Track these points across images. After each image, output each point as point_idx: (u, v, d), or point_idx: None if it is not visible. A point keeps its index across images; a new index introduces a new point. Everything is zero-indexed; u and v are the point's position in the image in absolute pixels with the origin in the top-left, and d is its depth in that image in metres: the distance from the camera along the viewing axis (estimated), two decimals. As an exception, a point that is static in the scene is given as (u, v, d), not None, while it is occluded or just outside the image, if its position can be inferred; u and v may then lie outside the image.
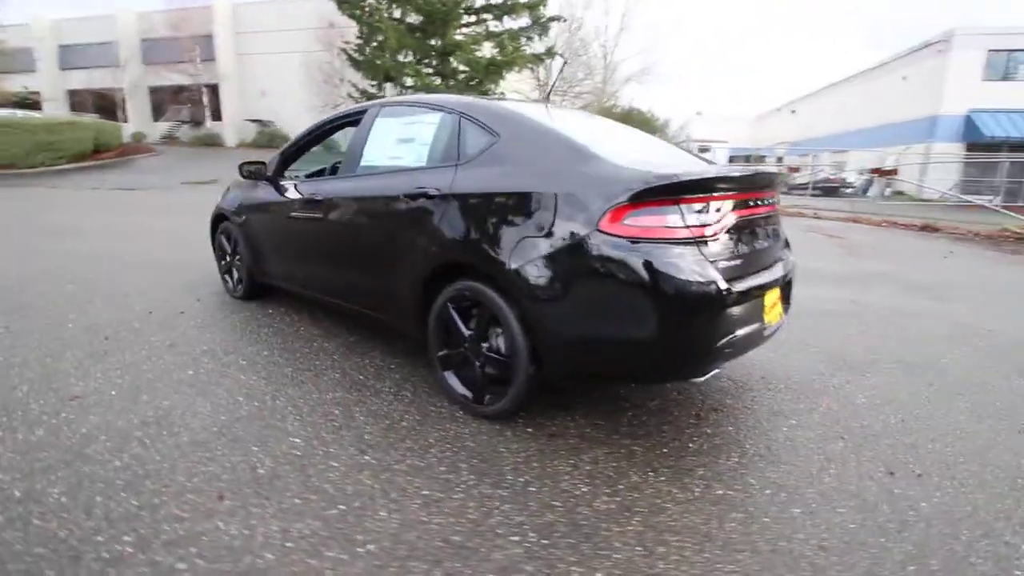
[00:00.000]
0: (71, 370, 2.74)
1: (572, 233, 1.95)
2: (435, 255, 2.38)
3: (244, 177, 3.61)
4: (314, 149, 3.64)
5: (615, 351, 1.99)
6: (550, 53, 19.15)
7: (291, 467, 1.98)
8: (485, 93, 18.35)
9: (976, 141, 19.29)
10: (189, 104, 29.42)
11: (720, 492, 1.92)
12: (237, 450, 2.07)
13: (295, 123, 28.26)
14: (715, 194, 1.98)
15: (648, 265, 1.85)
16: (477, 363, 2.33)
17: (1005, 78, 19.18)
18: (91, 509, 1.71)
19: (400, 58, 18.81)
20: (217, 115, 29.15)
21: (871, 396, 2.76)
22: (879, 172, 17.74)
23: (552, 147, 2.19)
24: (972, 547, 1.70)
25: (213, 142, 27.75)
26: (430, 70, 18.70)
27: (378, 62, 18.46)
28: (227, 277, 4.21)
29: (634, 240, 1.87)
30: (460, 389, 2.43)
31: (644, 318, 1.89)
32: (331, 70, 26.80)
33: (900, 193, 19.06)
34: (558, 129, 2.29)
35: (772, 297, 2.24)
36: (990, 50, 18.82)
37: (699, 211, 1.93)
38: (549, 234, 2.01)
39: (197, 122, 29.62)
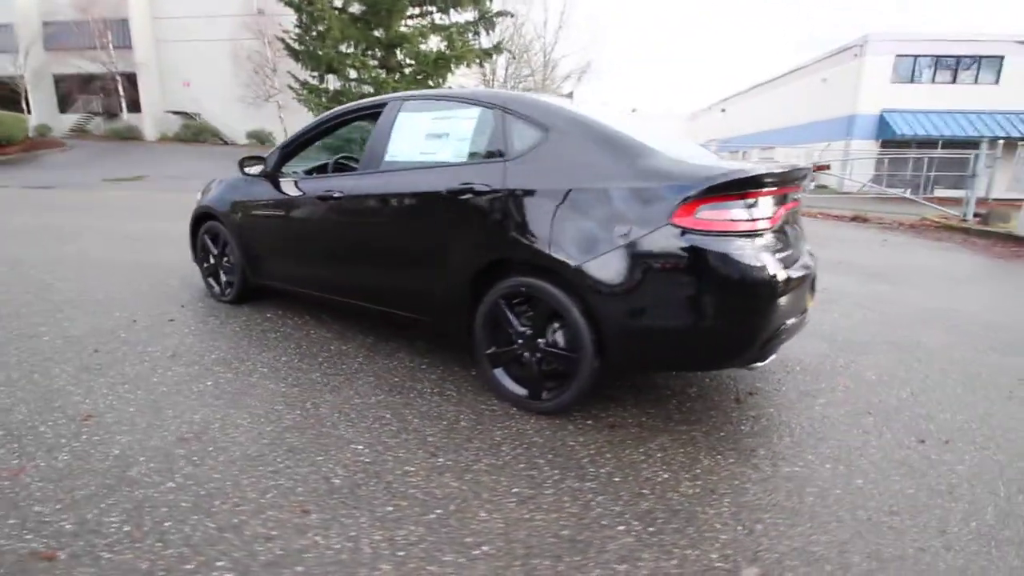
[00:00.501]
0: (70, 387, 2.48)
1: (643, 226, 1.99)
2: (486, 251, 2.34)
3: (244, 173, 3.38)
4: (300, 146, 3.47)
5: (683, 340, 2.05)
6: (498, 48, 19.13)
7: (366, 475, 1.90)
8: (438, 85, 18.08)
9: (889, 139, 21.19)
10: (102, 94, 27.01)
11: (788, 470, 2.03)
12: (301, 461, 1.96)
13: (224, 116, 26.73)
14: (766, 189, 2.08)
15: (719, 256, 1.92)
16: (532, 359, 2.33)
17: (911, 81, 21.21)
18: (165, 536, 1.57)
19: (343, 49, 18.17)
20: (135, 106, 26.98)
21: (878, 374, 2.99)
22: (817, 168, 19.08)
23: (607, 142, 2.21)
24: (1012, 501, 1.90)
25: (131, 135, 25.67)
26: (375, 62, 18.19)
27: (320, 52, 17.74)
28: (212, 280, 3.93)
29: (704, 232, 1.94)
30: (513, 387, 2.41)
31: (714, 307, 1.96)
32: (262, 59, 25.45)
33: (823, 186, 20.63)
34: (607, 124, 2.31)
35: (807, 285, 2.38)
36: (898, 55, 20.74)
37: (755, 205, 2.02)
38: (618, 228, 2.03)
39: (111, 114, 27.27)
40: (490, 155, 2.43)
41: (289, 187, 3.26)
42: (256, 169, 3.34)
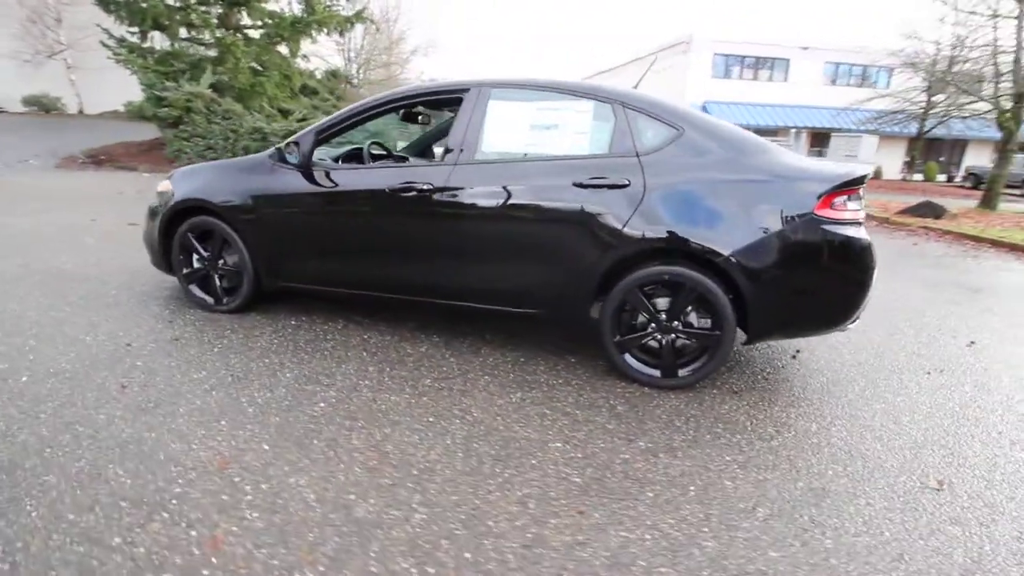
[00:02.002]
0: (173, 442, 2.01)
1: (790, 216, 2.29)
2: (626, 243, 2.43)
3: (283, 163, 2.91)
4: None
5: (815, 308, 2.42)
6: (360, 17, 17.90)
7: (595, 468, 1.94)
8: (293, 54, 16.41)
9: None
10: None
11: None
12: (521, 468, 1.91)
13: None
14: (863, 186, 2.50)
15: (848, 239, 2.32)
16: (666, 341, 2.52)
17: (726, 76, 25.04)
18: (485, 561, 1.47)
19: (171, 2, 15.45)
20: None
21: (891, 344, 3.77)
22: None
23: (740, 141, 2.46)
24: None
25: None
26: (215, 21, 15.80)
27: (143, 4, 14.86)
28: (198, 288, 3.32)
29: (837, 221, 2.31)
30: (645, 369, 2.58)
31: (841, 279, 2.37)
32: (41, 6, 20.40)
33: None
34: (731, 126, 2.57)
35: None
36: (715, 53, 24.28)
37: (860, 198, 2.44)
38: (766, 217, 2.30)
39: None
40: (619, 150, 2.50)
41: (339, 177, 2.90)
42: (292, 157, 2.90)
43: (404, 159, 3.58)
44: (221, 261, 3.23)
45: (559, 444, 2.08)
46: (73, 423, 2.04)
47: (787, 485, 1.90)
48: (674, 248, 2.41)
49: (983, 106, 12.59)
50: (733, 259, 2.32)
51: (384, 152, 3.53)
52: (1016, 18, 10.46)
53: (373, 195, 2.80)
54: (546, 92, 2.70)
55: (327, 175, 2.91)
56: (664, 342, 2.53)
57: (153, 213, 3.36)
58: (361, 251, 2.91)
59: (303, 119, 15.39)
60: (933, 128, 20.31)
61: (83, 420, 2.06)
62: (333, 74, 18.67)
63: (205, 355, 2.69)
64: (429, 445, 2.03)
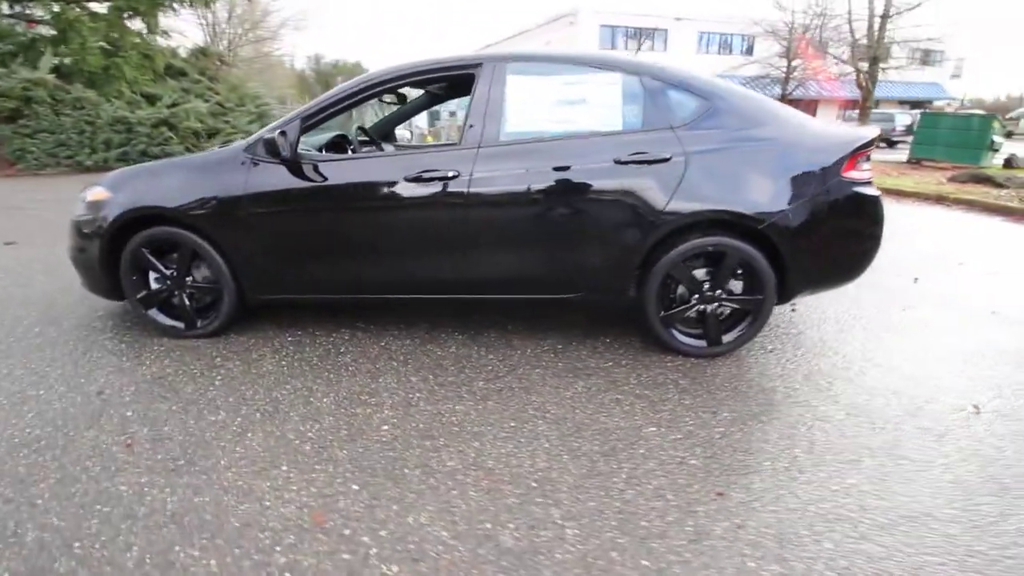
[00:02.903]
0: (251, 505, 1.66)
1: (823, 179, 2.39)
2: (670, 218, 2.39)
3: (265, 154, 2.46)
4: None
5: (845, 262, 2.56)
6: (227, -13, 16.02)
7: (704, 447, 1.91)
8: (152, 30, 14.41)
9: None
10: None
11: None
12: (636, 456, 1.84)
13: None
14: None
15: (870, 197, 2.47)
16: (709, 310, 2.55)
17: (612, 47, 25.87)
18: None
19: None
20: None
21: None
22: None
23: (766, 110, 2.49)
24: None
25: None
26: (51, -9, 13.34)
27: (-56, -30, 12.15)
28: (160, 313, 2.80)
29: (860, 182, 2.45)
30: (691, 341, 2.60)
31: (867, 234, 2.52)
32: None
33: None
34: (753, 93, 2.59)
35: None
36: (601, 24, 24.98)
37: (868, 159, 2.60)
38: (801, 183, 2.38)
39: None
40: (653, 123, 2.43)
41: (335, 170, 2.54)
42: (273, 150, 2.47)
43: (397, 146, 3.25)
44: (190, 278, 2.74)
45: (653, 429, 2.04)
46: (91, 503, 1.62)
47: (885, 414, 2.03)
48: (718, 219, 2.43)
49: (845, 68, 14.28)
50: (775, 225, 2.39)
51: (368, 139, 3.17)
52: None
53: (384, 187, 2.50)
54: (567, 65, 2.55)
55: (316, 168, 2.54)
56: (708, 312, 2.57)
57: (84, 228, 2.74)
58: (374, 251, 2.60)
59: (174, 104, 13.63)
60: (794, 90, 22.72)
61: (102, 497, 1.65)
62: (203, 52, 16.61)
63: (209, 392, 2.28)
64: (529, 452, 1.89)
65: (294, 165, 2.53)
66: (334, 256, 2.63)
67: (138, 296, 2.77)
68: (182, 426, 2.02)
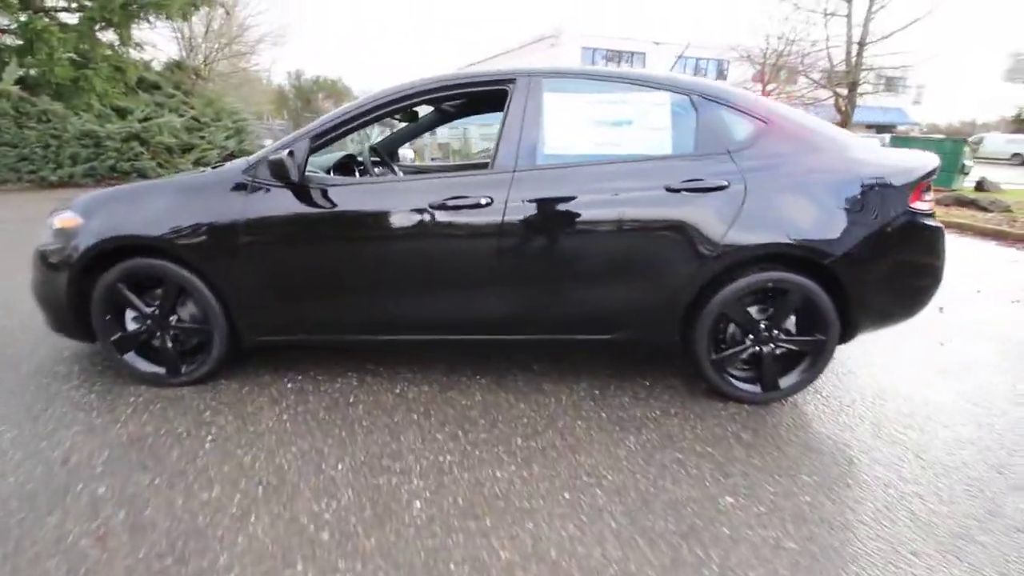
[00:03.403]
0: None
1: (889, 210, 2.18)
2: (728, 252, 2.15)
3: (270, 176, 2.14)
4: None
5: (905, 300, 2.34)
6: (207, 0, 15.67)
7: (794, 526, 1.64)
8: (124, 42, 13.92)
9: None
10: None
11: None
12: (721, 539, 1.56)
13: None
14: None
15: (934, 228, 2.27)
16: (766, 352, 2.30)
17: (593, 69, 26.14)
18: None
19: (-59, -26, 12.18)
20: None
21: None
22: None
23: (822, 133, 2.28)
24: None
25: None
26: (15, 2, 12.80)
27: (-102, -25, 11.54)
28: (139, 358, 2.43)
29: (924, 213, 2.25)
30: (747, 387, 2.35)
31: (929, 269, 2.31)
32: None
33: None
34: (809, 115, 2.39)
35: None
36: (583, 47, 25.28)
37: (930, 188, 2.40)
38: (868, 213, 2.17)
39: None
40: (705, 147, 2.20)
41: (349, 196, 2.24)
42: (280, 172, 2.15)
43: (412, 167, 2.96)
44: (175, 317, 2.38)
45: (731, 499, 1.76)
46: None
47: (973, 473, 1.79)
48: (780, 253, 2.20)
49: (820, 93, 14.62)
50: (841, 259, 2.17)
51: (379, 160, 2.88)
52: (846, 16, 12.22)
53: (405, 216, 2.20)
54: (610, 82, 2.31)
55: (325, 194, 2.23)
56: (763, 353, 2.32)
57: (51, 258, 2.36)
58: (391, 287, 2.28)
59: (146, 118, 13.13)
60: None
61: (68, 615, 1.28)
62: (178, 65, 16.10)
63: (199, 458, 1.91)
64: (596, 536, 1.58)
65: (301, 190, 2.21)
66: (345, 293, 2.30)
67: (112, 338, 2.39)
68: (168, 508, 1.66)
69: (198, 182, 2.38)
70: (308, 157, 2.24)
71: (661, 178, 2.16)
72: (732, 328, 2.34)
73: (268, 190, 2.22)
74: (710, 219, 2.16)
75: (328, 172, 2.63)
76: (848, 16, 12.11)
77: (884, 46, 13.47)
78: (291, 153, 2.13)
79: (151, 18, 13.74)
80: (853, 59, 12.59)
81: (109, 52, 13.49)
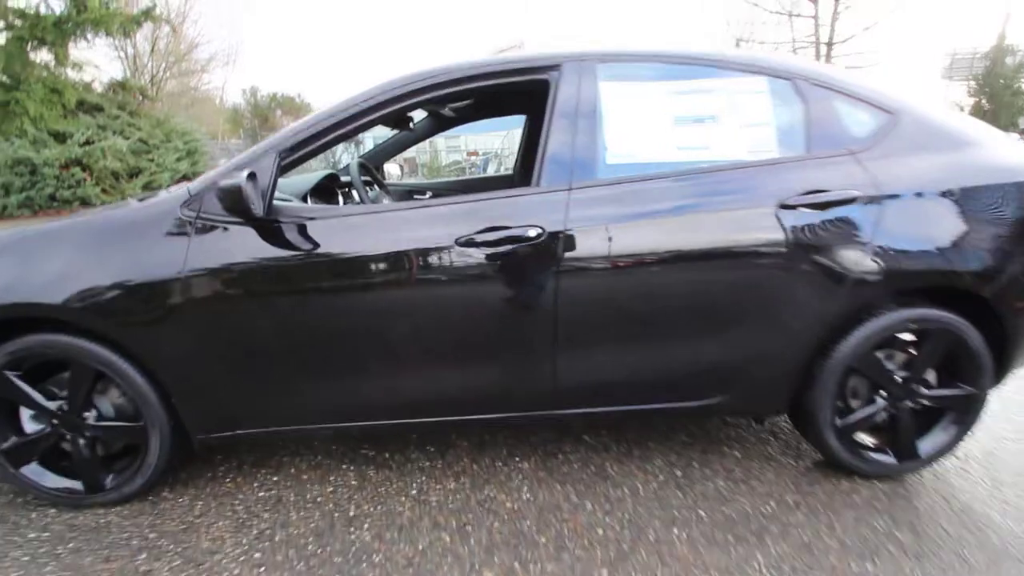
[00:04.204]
0: None
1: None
2: (864, 287, 1.59)
3: (222, 211, 1.48)
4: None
5: None
6: (150, 16, 14.68)
7: None
8: (61, 62, 12.92)
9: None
10: None
11: None
12: None
13: None
14: None
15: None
16: (902, 412, 1.75)
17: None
18: None
19: None
20: None
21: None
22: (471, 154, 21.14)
23: (961, 127, 1.77)
24: None
25: None
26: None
27: None
28: (41, 470, 1.71)
29: None
30: (879, 457, 1.79)
31: None
32: None
33: (508, 169, 23.51)
34: (939, 105, 1.87)
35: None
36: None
37: None
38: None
39: None
40: (821, 146, 1.65)
41: (335, 232, 1.59)
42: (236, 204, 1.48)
43: (411, 189, 2.33)
44: (91, 412, 1.68)
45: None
46: None
47: None
48: (926, 285, 1.66)
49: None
50: (1004, 290, 1.64)
51: (370, 179, 2.24)
52: (812, 17, 12.22)
53: (420, 257, 1.57)
54: (686, 66, 1.73)
55: (303, 231, 1.58)
56: (898, 414, 1.77)
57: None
58: (404, 355, 1.64)
59: (88, 142, 12.08)
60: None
61: None
62: (121, 85, 14.99)
63: None
64: None
65: (269, 226, 1.56)
66: (339, 367, 1.64)
67: (2, 447, 1.67)
68: None
69: (119, 222, 1.68)
70: (277, 179, 1.59)
71: (770, 190, 1.60)
72: (857, 383, 1.78)
73: (221, 229, 1.56)
74: (837, 243, 1.60)
75: (304, 199, 1.98)
76: (815, 17, 12.13)
77: (850, 46, 13.57)
78: (252, 176, 1.48)
79: (89, 36, 12.73)
80: (824, 59, 12.58)
81: (44, 73, 12.44)
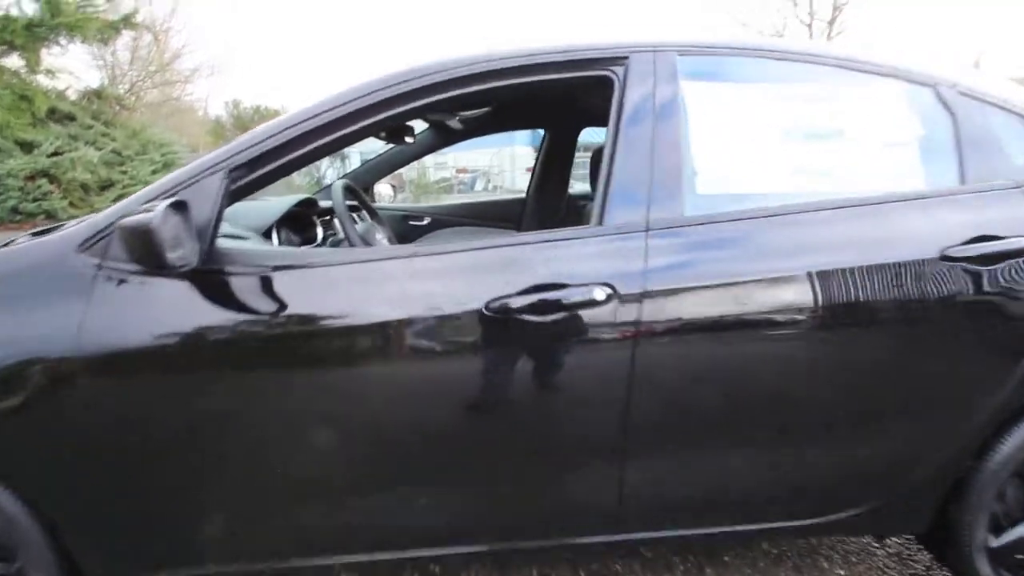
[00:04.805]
0: None
1: None
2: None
3: (130, 260, 0.98)
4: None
5: None
6: (129, 22, 14.11)
7: None
8: (32, 68, 12.37)
9: (538, 145, 25.32)
10: None
11: None
12: None
13: None
14: None
15: None
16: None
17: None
18: None
19: None
20: None
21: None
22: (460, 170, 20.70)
23: None
24: None
25: None
26: None
27: None
28: None
29: None
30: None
31: None
32: None
33: (497, 187, 23.19)
34: None
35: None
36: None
37: None
38: None
39: None
40: (979, 175, 1.20)
41: (308, 290, 1.09)
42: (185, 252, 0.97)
43: (406, 214, 1.84)
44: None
45: None
46: None
47: None
48: None
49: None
50: None
51: (356, 203, 1.74)
52: (808, 25, 12.20)
53: (438, 327, 1.08)
54: (800, 64, 1.28)
55: (267, 285, 1.09)
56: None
57: None
58: (405, 466, 1.14)
59: (56, 153, 11.40)
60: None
61: None
62: (97, 94, 14.36)
63: None
64: None
65: (208, 280, 1.06)
66: (313, 487, 1.14)
67: None
68: None
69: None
70: (222, 210, 1.10)
71: (926, 237, 1.15)
72: (1015, 491, 1.33)
73: (136, 284, 1.06)
74: (1013, 308, 1.16)
75: (268, 235, 1.48)
76: (809, 26, 12.17)
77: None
78: (179, 208, 0.98)
79: (63, 41, 12.14)
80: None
81: (13, 80, 11.82)
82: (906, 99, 1.26)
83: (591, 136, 3.16)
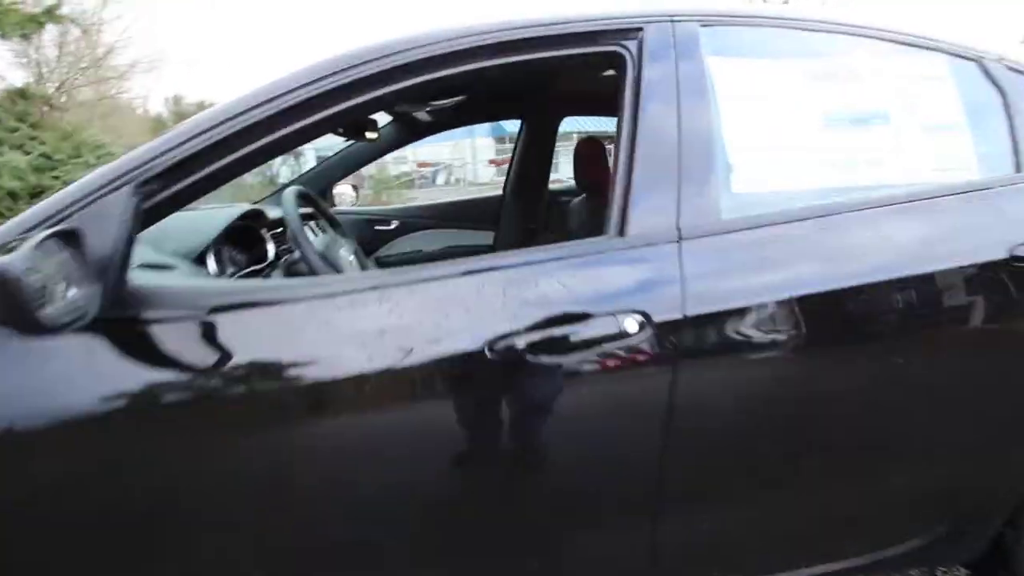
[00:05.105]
0: None
1: None
2: None
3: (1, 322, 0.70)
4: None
5: None
6: (53, 16, 13.05)
7: None
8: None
9: (500, 136, 25.06)
10: None
11: None
12: None
13: None
14: None
15: None
16: None
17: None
18: None
19: None
20: None
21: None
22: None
23: None
24: None
25: None
26: None
27: None
28: None
29: None
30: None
31: None
32: None
33: (459, 180, 22.82)
34: None
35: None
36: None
37: None
38: None
39: None
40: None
41: (266, 333, 0.84)
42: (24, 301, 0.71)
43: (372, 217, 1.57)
44: None
45: None
46: None
47: None
48: None
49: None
50: None
51: (312, 211, 1.47)
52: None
53: (426, 377, 0.85)
54: (838, 36, 1.09)
55: (207, 332, 0.82)
56: None
57: None
58: (385, 538, 0.92)
59: (-25, 160, 10.46)
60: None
61: None
62: (21, 94, 13.24)
63: None
64: None
65: (119, 331, 0.80)
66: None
67: None
68: None
69: None
70: (133, 235, 0.83)
71: (993, 234, 0.99)
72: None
73: (19, 346, 0.78)
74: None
75: (201, 259, 1.20)
76: None
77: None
78: (65, 239, 0.72)
79: (-22, 35, 11.11)
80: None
81: (-80, 80, 10.78)
82: (951, 76, 1.10)
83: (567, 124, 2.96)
